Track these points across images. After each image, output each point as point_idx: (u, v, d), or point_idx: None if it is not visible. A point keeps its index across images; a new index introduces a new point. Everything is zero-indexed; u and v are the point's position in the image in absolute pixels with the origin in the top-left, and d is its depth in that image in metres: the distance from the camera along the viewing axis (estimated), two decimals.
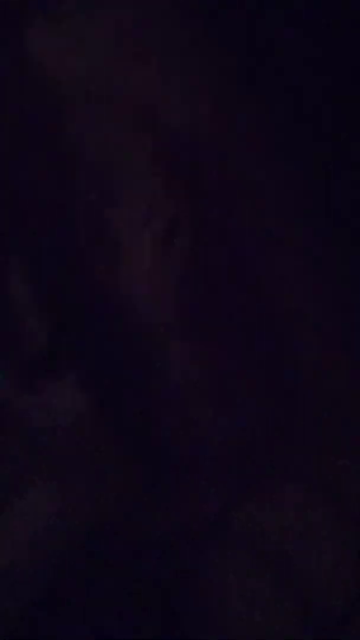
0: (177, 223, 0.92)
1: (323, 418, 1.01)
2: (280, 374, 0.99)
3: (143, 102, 0.89)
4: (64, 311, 0.96)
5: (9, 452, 0.92)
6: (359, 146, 0.94)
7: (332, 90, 0.94)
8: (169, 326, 0.98)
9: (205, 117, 0.90)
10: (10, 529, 0.91)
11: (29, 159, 0.89)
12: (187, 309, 0.97)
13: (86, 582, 0.94)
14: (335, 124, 0.93)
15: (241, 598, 0.98)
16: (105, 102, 0.87)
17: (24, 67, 0.90)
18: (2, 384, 0.90)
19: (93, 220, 0.91)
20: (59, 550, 0.95)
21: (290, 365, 1.00)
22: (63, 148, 0.89)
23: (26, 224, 0.90)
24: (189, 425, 1.02)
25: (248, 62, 0.93)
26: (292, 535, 1.01)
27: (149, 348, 1.00)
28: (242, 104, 0.93)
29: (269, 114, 0.92)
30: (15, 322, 0.92)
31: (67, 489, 0.96)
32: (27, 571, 0.90)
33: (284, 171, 0.95)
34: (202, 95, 0.91)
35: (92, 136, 0.88)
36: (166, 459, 1.05)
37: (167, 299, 0.96)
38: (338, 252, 0.99)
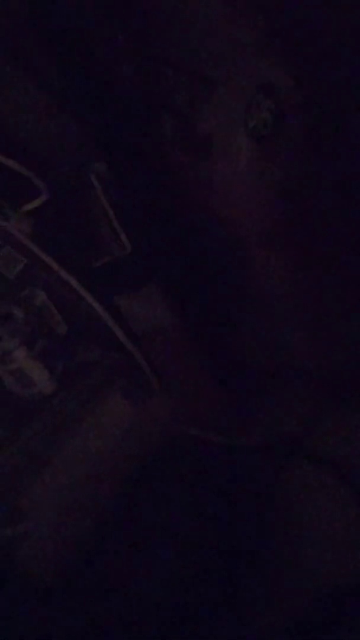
0: (280, 118, 0.80)
1: None
2: None
3: None
4: (148, 216, 0.88)
5: (95, 358, 0.89)
6: None
7: None
8: (260, 234, 0.90)
9: None
10: (92, 431, 0.91)
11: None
12: (283, 218, 0.87)
13: (169, 481, 0.95)
14: None
15: (322, 515, 0.96)
16: None
17: None
18: None
19: (180, 111, 0.80)
20: (137, 452, 0.94)
21: None
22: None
23: (108, 119, 0.81)
24: (276, 339, 0.97)
25: None
26: None
27: (238, 257, 0.92)
28: None
29: None
30: (99, 229, 0.86)
31: (147, 395, 0.94)
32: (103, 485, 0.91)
33: None
34: None
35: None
36: (250, 372, 1.01)
37: (261, 205, 0.87)
38: None
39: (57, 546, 0.87)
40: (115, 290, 0.91)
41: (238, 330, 0.99)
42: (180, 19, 0.75)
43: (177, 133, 0.81)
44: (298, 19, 0.74)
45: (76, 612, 0.86)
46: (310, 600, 0.90)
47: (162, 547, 0.91)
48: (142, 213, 0.88)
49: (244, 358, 1.00)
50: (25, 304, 0.88)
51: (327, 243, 0.90)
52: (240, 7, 0.73)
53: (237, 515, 0.96)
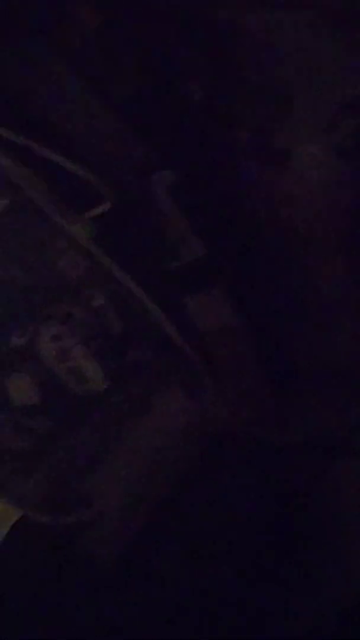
0: None
1: None
2: None
3: None
4: (217, 221, 0.86)
5: (148, 358, 0.90)
6: None
7: None
8: (327, 242, 0.87)
9: None
10: (151, 425, 0.93)
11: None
12: (351, 227, 0.84)
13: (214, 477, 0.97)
14: None
15: None
16: None
17: None
18: None
19: (257, 127, 0.76)
20: (188, 447, 0.96)
21: None
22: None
23: (179, 130, 0.77)
24: (328, 342, 0.96)
25: None
26: None
27: (302, 262, 0.90)
28: None
29: None
30: (169, 233, 0.84)
31: (203, 393, 0.95)
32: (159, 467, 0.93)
33: None
34: None
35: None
36: (301, 372, 1.00)
37: (333, 214, 0.84)
38: None
39: (118, 535, 0.91)
40: (185, 290, 0.90)
41: (294, 333, 0.98)
42: (261, 41, 0.70)
43: (253, 147, 0.77)
44: None
45: (133, 598, 0.91)
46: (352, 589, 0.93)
47: (213, 536, 0.94)
48: (212, 218, 0.86)
49: (297, 359, 0.99)
50: (84, 304, 0.88)
51: None
52: (325, 25, 0.67)
53: (284, 507, 0.98)
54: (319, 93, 0.72)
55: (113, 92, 0.72)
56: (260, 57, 0.69)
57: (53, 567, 0.91)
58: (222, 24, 0.67)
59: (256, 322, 0.95)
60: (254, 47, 0.68)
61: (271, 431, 1.01)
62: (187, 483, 0.95)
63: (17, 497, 0.87)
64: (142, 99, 0.73)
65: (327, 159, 0.79)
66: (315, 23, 0.65)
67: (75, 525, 0.90)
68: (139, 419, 0.92)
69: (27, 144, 0.72)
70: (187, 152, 0.77)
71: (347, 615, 0.92)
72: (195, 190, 0.80)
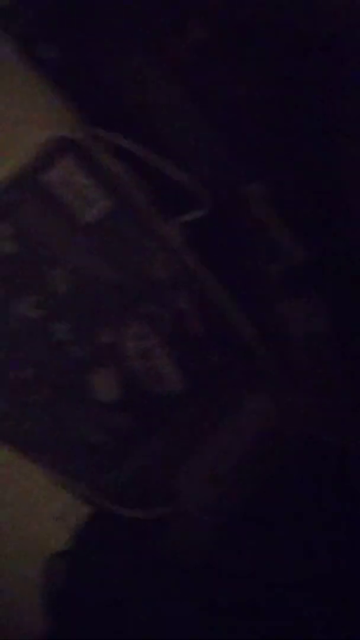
0: None
1: None
2: None
3: None
4: (321, 233, 0.87)
5: (228, 362, 0.91)
6: None
7: None
8: None
9: None
10: (231, 429, 0.94)
11: None
12: None
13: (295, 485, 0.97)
14: None
15: None
16: None
17: None
18: None
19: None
20: (267, 450, 0.97)
21: None
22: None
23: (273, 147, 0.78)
24: None
25: None
26: None
27: None
28: None
29: None
30: (263, 240, 0.85)
31: (284, 402, 0.96)
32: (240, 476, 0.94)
33: None
34: None
35: None
36: None
37: None
38: None
39: (201, 533, 0.92)
40: (279, 296, 0.91)
41: None
42: None
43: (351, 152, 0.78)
44: None
45: (214, 596, 0.92)
46: None
47: (291, 538, 0.94)
48: (313, 228, 0.86)
49: None
50: (169, 306, 0.90)
51: None
52: None
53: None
54: None
55: (214, 104, 0.74)
56: None
57: (134, 563, 0.92)
58: (333, 39, 0.67)
59: (347, 330, 0.95)
60: None
61: (348, 438, 1.01)
62: (267, 484, 0.96)
63: (98, 488, 0.89)
64: (244, 110, 0.74)
65: None
66: None
67: (158, 521, 0.91)
68: (219, 422, 0.93)
69: (134, 150, 0.74)
70: (291, 162, 0.78)
71: None
72: (297, 200, 0.81)
